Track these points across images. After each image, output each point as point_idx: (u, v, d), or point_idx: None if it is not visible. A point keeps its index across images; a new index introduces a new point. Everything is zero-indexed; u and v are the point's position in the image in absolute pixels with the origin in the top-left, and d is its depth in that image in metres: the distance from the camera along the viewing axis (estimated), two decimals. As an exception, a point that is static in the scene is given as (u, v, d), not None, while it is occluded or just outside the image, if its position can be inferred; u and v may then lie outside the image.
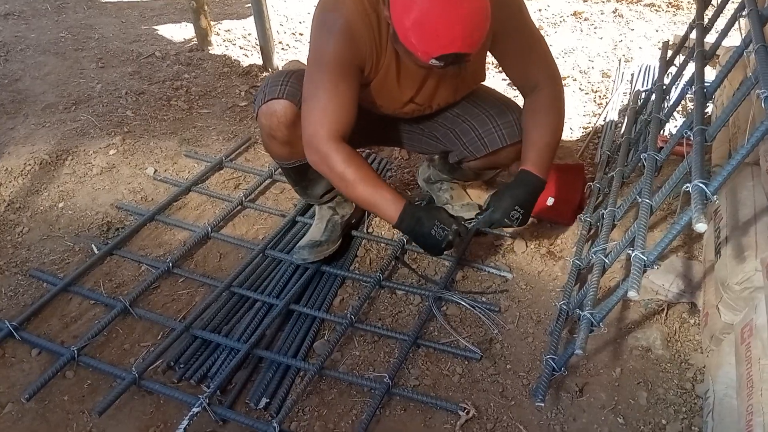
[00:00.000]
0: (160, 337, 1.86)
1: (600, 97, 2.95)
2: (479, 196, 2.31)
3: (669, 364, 1.64)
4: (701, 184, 1.12)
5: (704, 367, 1.60)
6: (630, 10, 3.78)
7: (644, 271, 1.25)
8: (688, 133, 1.33)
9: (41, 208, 2.34)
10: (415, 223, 1.66)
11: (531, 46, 1.74)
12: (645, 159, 1.54)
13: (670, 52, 2.08)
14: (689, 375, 1.62)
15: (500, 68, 1.79)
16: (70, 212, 2.33)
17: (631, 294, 1.19)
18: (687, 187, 1.16)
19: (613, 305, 1.35)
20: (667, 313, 1.76)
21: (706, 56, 1.63)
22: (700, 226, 1.06)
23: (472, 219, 1.98)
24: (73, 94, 3.04)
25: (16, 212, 2.32)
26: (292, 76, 1.75)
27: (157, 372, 1.75)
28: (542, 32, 3.59)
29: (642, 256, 1.25)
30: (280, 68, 3.28)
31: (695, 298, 1.73)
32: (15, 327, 1.82)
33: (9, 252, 2.15)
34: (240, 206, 2.36)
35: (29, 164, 2.51)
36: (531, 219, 2.13)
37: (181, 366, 1.77)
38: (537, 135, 1.74)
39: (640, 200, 1.40)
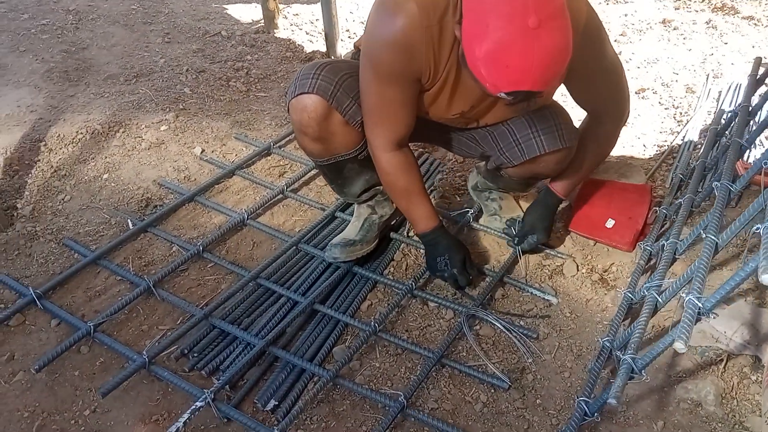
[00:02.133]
0: (179, 321, 1.81)
1: (681, 114, 2.70)
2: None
3: (720, 424, 1.44)
4: (778, 228, 0.94)
5: (762, 433, 1.40)
6: (726, 21, 3.47)
7: (698, 320, 1.07)
8: (765, 161, 1.14)
9: (86, 177, 2.34)
10: (430, 245, 1.81)
11: (605, 78, 1.61)
12: (717, 188, 1.35)
13: (762, 70, 1.84)
14: (743, 439, 1.42)
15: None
16: (113, 185, 2.32)
17: (677, 346, 1.02)
18: (758, 228, 0.98)
19: (658, 354, 1.18)
20: (726, 365, 1.55)
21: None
22: (766, 278, 0.89)
23: (504, 228, 2.02)
24: (136, 66, 3.05)
25: (62, 179, 2.33)
26: (324, 68, 1.65)
27: (170, 358, 1.70)
28: (625, 38, 3.35)
29: (696, 302, 1.08)
30: (343, 56, 3.19)
31: (761, 351, 1.51)
32: (39, 295, 1.81)
33: (48, 218, 2.16)
34: (281, 195, 2.28)
35: (81, 133, 2.52)
36: (589, 240, 1.99)
37: (195, 355, 1.71)
38: (577, 160, 1.78)
39: (704, 236, 1.22)
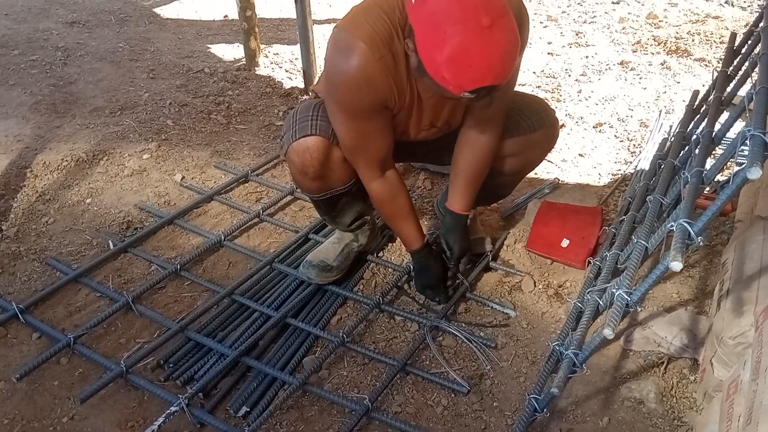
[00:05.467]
0: (156, 335, 1.89)
1: (634, 145, 2.88)
2: (493, 233, 2.28)
3: (660, 420, 1.55)
4: (686, 224, 1.07)
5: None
6: (679, 63, 3.71)
7: (626, 312, 1.20)
8: (685, 174, 1.28)
9: (69, 202, 2.44)
10: (416, 263, 1.98)
11: (511, 85, 1.71)
12: (650, 201, 1.49)
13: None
14: (680, 433, 1.53)
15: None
16: (95, 208, 2.42)
17: (606, 332, 1.14)
18: (671, 225, 1.11)
19: (596, 346, 1.30)
20: (666, 366, 1.68)
21: (723, 102, 1.58)
22: (675, 265, 1.02)
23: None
24: (121, 100, 3.18)
25: (46, 203, 2.42)
26: (320, 108, 1.76)
27: (146, 369, 1.78)
28: (586, 78, 3.57)
29: (624, 295, 1.20)
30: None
31: (698, 354, 1.64)
32: (21, 310, 1.89)
33: (31, 239, 2.24)
34: (257, 219, 2.39)
35: (66, 160, 2.63)
36: (546, 259, 2.12)
37: (171, 365, 1.79)
38: (462, 174, 1.86)
39: (635, 240, 1.36)
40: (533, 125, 1.86)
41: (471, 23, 1.26)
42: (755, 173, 0.92)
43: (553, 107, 1.97)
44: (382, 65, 1.51)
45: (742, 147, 1.10)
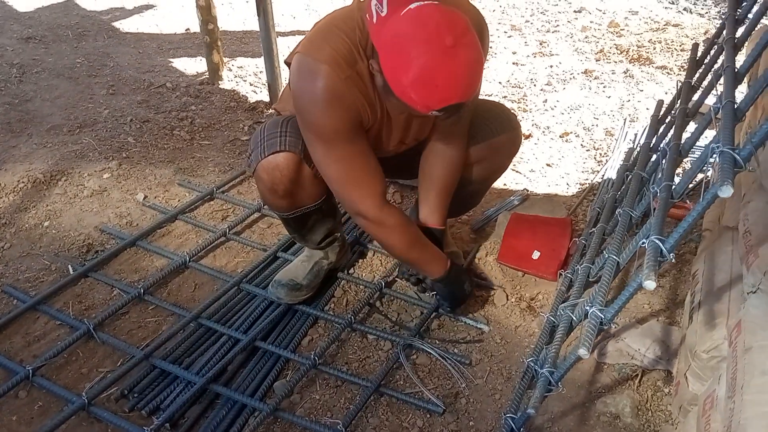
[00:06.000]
0: (119, 363, 1.82)
1: (601, 154, 2.91)
2: (464, 246, 2.27)
3: (637, 434, 1.55)
4: (657, 241, 1.06)
5: (674, 441, 1.51)
6: (642, 71, 3.77)
7: (600, 330, 1.18)
8: (655, 188, 1.28)
9: (26, 225, 2.35)
10: (452, 282, 1.84)
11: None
12: (619, 214, 1.49)
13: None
14: (658, 447, 1.52)
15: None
16: (53, 232, 2.33)
17: (581, 352, 1.12)
18: (643, 242, 1.10)
19: (571, 365, 1.28)
20: (641, 379, 1.67)
21: (688, 114, 1.59)
22: (649, 284, 1.01)
23: None
24: (80, 117, 3.09)
25: (1, 228, 2.33)
26: (288, 124, 1.71)
27: (110, 400, 1.71)
28: (551, 87, 3.59)
29: (599, 313, 1.19)
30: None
31: (672, 365, 1.64)
32: (-25, 342, 1.80)
33: (-14, 266, 2.15)
34: (224, 237, 2.34)
35: (23, 182, 2.54)
36: (517, 271, 2.11)
37: (135, 395, 1.72)
38: (432, 189, 1.87)
39: (606, 255, 1.35)
40: (496, 130, 1.86)
41: (434, 44, 1.27)
42: (726, 192, 0.92)
43: (519, 117, 1.98)
44: (348, 84, 1.49)
45: (710, 160, 1.10)
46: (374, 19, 1.37)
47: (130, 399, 1.71)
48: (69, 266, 2.16)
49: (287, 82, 1.71)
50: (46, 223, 2.37)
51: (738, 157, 0.97)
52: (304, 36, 1.60)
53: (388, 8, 1.34)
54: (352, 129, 1.57)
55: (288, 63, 1.63)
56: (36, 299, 1.98)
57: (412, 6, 1.31)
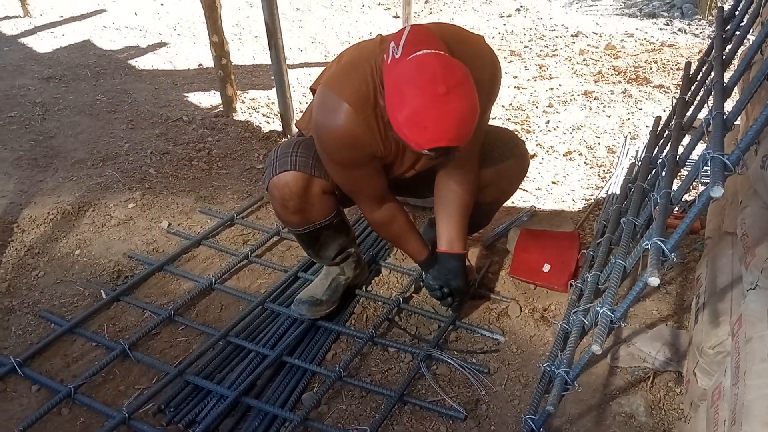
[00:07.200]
0: (154, 380, 1.91)
1: (604, 171, 3.02)
2: (477, 262, 2.37)
3: (651, 432, 1.63)
4: (659, 242, 1.17)
5: (687, 436, 1.59)
6: (639, 90, 3.90)
7: (611, 328, 1.28)
8: (655, 196, 1.39)
9: (58, 254, 2.46)
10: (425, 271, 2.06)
11: (481, 129, 1.81)
12: (624, 223, 1.59)
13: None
14: (672, 444, 1.60)
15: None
16: (84, 259, 2.44)
17: (594, 348, 1.22)
18: (646, 244, 1.20)
19: (585, 362, 1.37)
20: (653, 381, 1.76)
21: (683, 128, 1.71)
22: (653, 280, 1.10)
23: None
24: (102, 151, 3.23)
25: (35, 257, 2.44)
26: (300, 146, 1.86)
27: (147, 414, 1.80)
28: (552, 109, 3.72)
29: (609, 312, 1.29)
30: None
31: (681, 367, 1.73)
32: (19, 363, 1.90)
33: (23, 293, 2.26)
34: (246, 260, 2.44)
35: (52, 213, 2.66)
36: (529, 284, 2.20)
37: (171, 410, 1.81)
38: (448, 214, 1.97)
39: (613, 261, 1.45)
40: (503, 156, 1.98)
41: (428, 90, 1.38)
42: (717, 192, 1.02)
43: (523, 138, 2.10)
44: (366, 125, 1.62)
45: (705, 168, 1.20)
46: (389, 60, 1.50)
47: (167, 413, 1.80)
48: (101, 291, 2.26)
49: (310, 102, 1.85)
50: (77, 252, 2.48)
51: (727, 162, 1.08)
52: (324, 67, 1.74)
53: (402, 52, 1.47)
54: (364, 160, 1.73)
55: (312, 90, 1.76)
56: (72, 323, 2.08)
57: (419, 53, 1.44)
